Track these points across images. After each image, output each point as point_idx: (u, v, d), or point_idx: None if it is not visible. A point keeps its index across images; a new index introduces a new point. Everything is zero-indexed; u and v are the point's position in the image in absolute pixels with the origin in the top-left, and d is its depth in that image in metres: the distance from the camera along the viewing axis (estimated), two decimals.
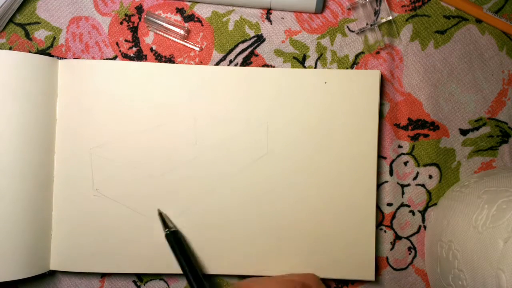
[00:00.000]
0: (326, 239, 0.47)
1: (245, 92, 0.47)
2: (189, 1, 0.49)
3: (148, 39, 0.48)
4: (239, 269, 0.47)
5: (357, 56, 0.49)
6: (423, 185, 0.49)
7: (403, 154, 0.49)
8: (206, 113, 0.47)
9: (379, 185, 0.49)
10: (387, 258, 0.49)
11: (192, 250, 0.47)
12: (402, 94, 0.49)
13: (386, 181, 0.49)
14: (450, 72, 0.49)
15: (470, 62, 0.49)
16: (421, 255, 0.49)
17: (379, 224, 0.49)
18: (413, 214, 0.49)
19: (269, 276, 0.46)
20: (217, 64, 0.48)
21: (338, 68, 0.49)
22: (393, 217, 0.49)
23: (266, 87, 0.47)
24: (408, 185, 0.49)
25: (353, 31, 0.49)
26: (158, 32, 0.48)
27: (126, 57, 0.48)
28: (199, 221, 0.47)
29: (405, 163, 0.49)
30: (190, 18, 0.49)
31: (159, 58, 0.48)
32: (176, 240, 0.45)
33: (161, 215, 0.46)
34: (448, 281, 0.42)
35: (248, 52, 0.49)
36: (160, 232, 0.46)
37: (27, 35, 0.48)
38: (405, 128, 0.49)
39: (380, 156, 0.49)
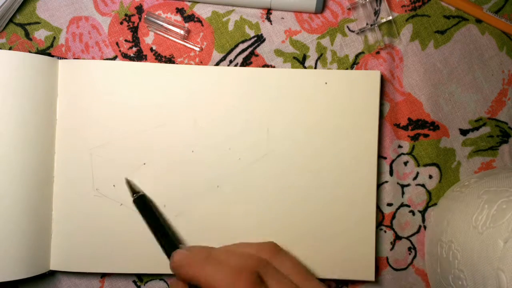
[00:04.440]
0: (326, 239, 0.47)
1: (245, 92, 0.47)
2: (189, 1, 0.48)
3: (148, 39, 0.48)
4: None
5: (357, 56, 0.49)
6: (423, 185, 0.49)
7: (403, 154, 0.49)
8: (206, 113, 0.47)
9: (379, 185, 0.49)
10: (387, 258, 0.49)
11: (163, 215, 0.46)
12: (402, 94, 0.49)
13: (386, 181, 0.49)
14: (450, 72, 0.49)
15: (470, 62, 0.49)
16: (421, 255, 0.49)
17: (379, 224, 0.49)
18: (413, 214, 0.49)
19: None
20: (217, 64, 0.48)
21: (338, 68, 0.49)
22: (393, 217, 0.49)
23: (266, 87, 0.47)
24: (408, 185, 0.49)
25: (353, 31, 0.49)
26: (158, 32, 0.48)
27: (126, 57, 0.48)
28: (199, 221, 0.47)
29: (405, 163, 0.49)
30: (190, 18, 0.49)
31: (159, 58, 0.48)
32: (144, 204, 0.45)
33: (128, 182, 0.46)
34: (448, 281, 0.42)
35: (248, 52, 0.49)
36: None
37: (27, 35, 0.48)
38: (405, 128, 0.49)
39: (380, 156, 0.49)
